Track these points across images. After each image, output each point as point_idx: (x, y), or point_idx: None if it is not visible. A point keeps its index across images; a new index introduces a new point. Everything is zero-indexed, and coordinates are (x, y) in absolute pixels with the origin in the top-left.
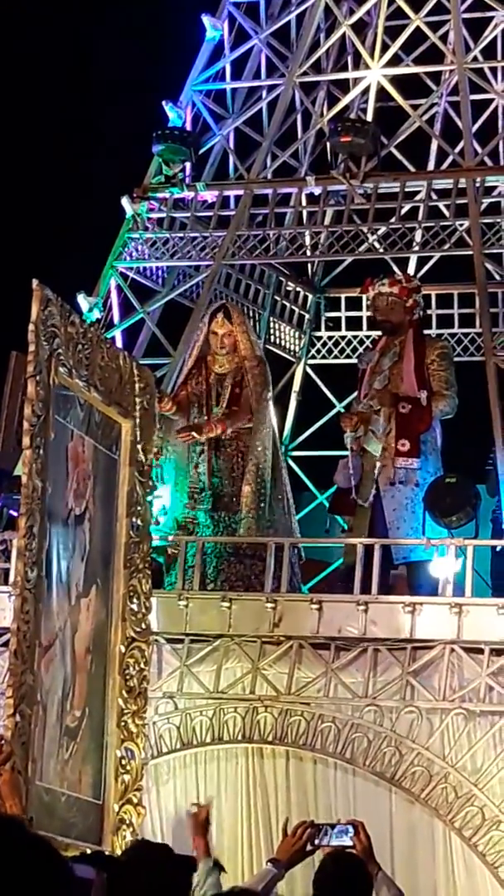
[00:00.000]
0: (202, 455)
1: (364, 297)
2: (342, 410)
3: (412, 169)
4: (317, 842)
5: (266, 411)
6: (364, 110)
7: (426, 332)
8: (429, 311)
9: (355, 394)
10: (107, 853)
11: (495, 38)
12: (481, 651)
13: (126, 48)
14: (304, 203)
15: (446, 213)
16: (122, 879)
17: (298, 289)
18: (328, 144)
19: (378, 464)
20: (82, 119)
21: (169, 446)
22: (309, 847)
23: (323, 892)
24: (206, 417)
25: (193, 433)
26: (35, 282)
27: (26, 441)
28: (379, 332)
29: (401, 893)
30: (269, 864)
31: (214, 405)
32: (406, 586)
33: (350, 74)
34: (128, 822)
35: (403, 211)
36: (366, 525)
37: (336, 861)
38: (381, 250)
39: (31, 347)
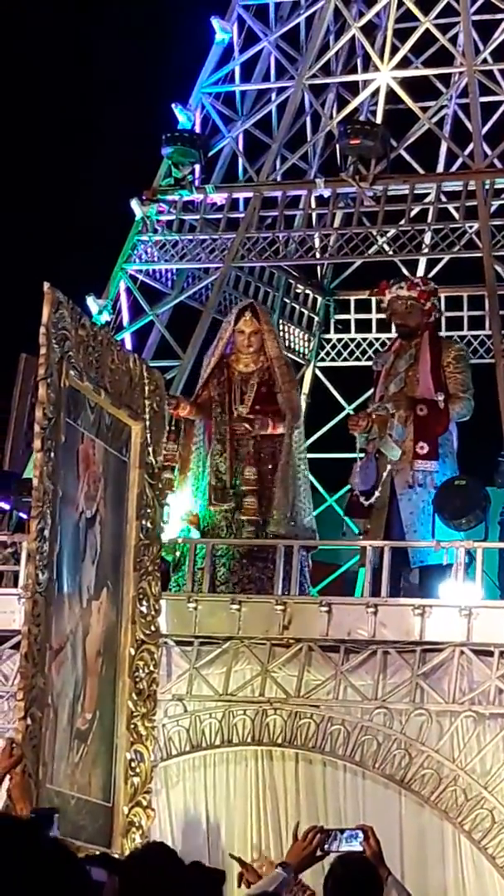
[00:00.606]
0: (223, 455)
1: (374, 299)
2: (352, 413)
3: (422, 171)
4: (326, 847)
5: (301, 413)
6: (373, 112)
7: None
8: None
9: (372, 391)
10: (116, 856)
11: None
12: (491, 653)
13: (135, 50)
14: (313, 205)
15: (456, 215)
16: (133, 882)
17: (308, 291)
18: (338, 147)
19: (395, 467)
20: (91, 121)
21: (192, 445)
22: (319, 853)
23: (334, 893)
24: (227, 416)
25: (246, 425)
26: (46, 285)
27: (37, 444)
28: (392, 334)
29: None
30: (278, 867)
31: (238, 403)
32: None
33: (359, 77)
34: (137, 824)
35: (413, 213)
36: (381, 528)
37: (346, 864)
38: (391, 252)
39: (43, 350)
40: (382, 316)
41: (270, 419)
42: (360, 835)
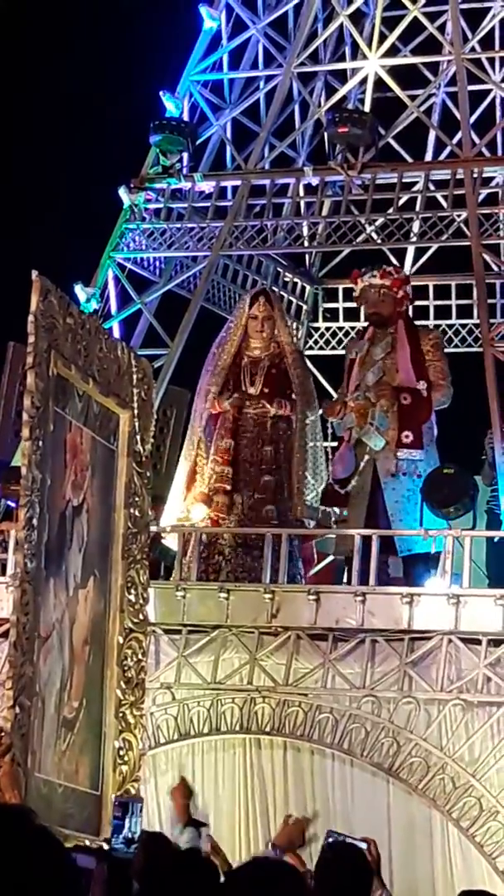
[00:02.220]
0: (224, 439)
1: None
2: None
3: (410, 159)
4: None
5: (315, 400)
6: (362, 101)
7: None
8: (426, 302)
9: (345, 379)
10: (104, 845)
11: (493, 28)
12: (479, 642)
13: (123, 37)
14: (301, 193)
15: (444, 203)
16: (124, 870)
17: (296, 280)
18: (326, 135)
19: (377, 456)
20: (79, 109)
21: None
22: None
23: (323, 881)
24: (235, 395)
25: (265, 402)
26: (34, 273)
27: (26, 433)
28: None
29: None
30: (268, 847)
31: (249, 385)
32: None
33: (348, 65)
34: None
35: (401, 202)
36: (361, 516)
37: (336, 850)
38: (379, 241)
39: (31, 339)
40: None
41: (289, 404)
42: (364, 845)
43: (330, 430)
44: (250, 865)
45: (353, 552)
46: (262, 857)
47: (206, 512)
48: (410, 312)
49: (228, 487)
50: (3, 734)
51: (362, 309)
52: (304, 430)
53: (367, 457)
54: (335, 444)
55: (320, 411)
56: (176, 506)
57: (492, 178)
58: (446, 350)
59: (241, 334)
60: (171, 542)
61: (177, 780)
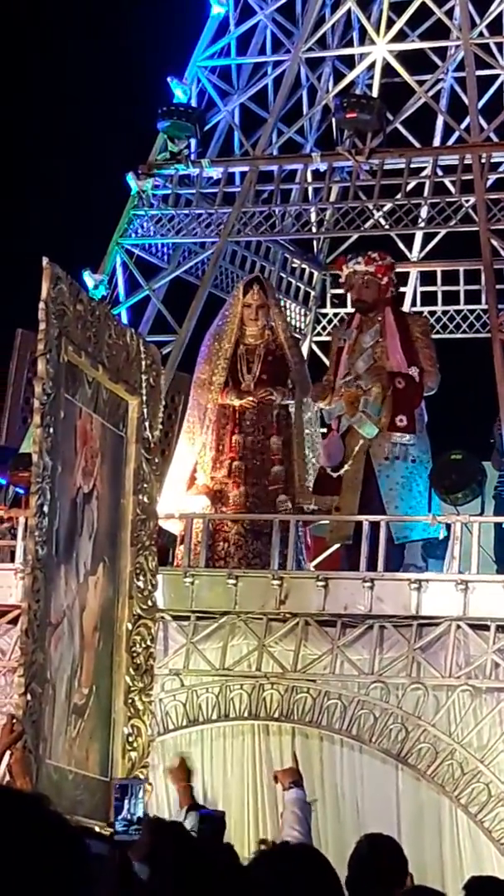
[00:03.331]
0: (227, 426)
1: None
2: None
3: (418, 145)
4: None
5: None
6: (370, 86)
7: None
8: (434, 288)
9: (333, 366)
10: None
11: (501, 13)
12: (487, 628)
13: (130, 22)
14: (309, 179)
15: (452, 189)
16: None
17: (304, 265)
18: (334, 120)
19: (372, 442)
20: (87, 95)
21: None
22: None
23: (358, 872)
24: (234, 389)
25: (269, 389)
26: (45, 260)
27: (37, 419)
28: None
29: None
30: (291, 789)
31: (246, 373)
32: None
33: (356, 50)
34: None
35: (409, 187)
36: (355, 502)
37: (372, 842)
38: (387, 227)
39: (42, 325)
40: None
41: (290, 392)
42: None
43: (319, 416)
44: (277, 852)
45: (348, 538)
46: (291, 843)
47: (207, 503)
48: (397, 298)
49: (239, 481)
50: (14, 721)
51: (349, 296)
52: (301, 417)
53: (360, 442)
54: (325, 430)
55: (310, 397)
56: (175, 497)
57: (500, 164)
58: (455, 336)
59: (238, 323)
60: (172, 528)
61: (175, 762)
